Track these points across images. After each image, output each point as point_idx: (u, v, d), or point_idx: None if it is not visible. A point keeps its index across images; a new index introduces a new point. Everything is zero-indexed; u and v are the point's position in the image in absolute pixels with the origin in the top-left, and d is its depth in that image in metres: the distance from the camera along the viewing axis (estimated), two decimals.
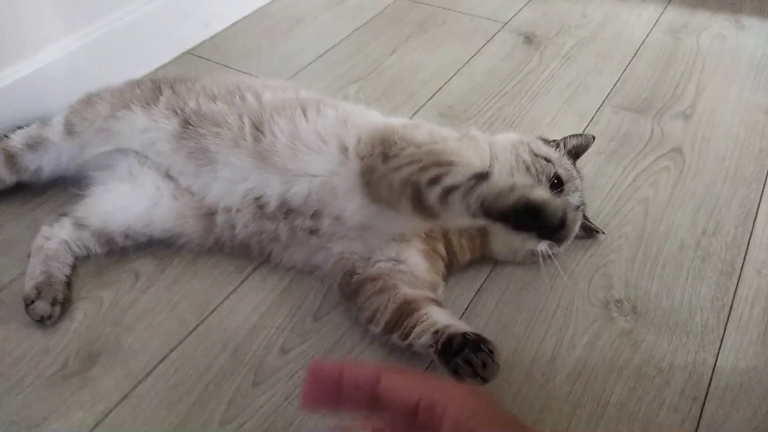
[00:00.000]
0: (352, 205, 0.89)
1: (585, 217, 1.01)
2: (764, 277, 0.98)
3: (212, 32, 1.60)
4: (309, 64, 1.50)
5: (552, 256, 0.94)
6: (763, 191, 1.13)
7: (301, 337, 0.92)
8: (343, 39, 1.59)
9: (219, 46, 1.57)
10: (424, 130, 0.92)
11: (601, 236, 1.04)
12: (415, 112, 1.34)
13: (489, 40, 1.56)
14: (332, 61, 1.52)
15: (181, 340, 0.91)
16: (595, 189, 1.14)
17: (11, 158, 1.08)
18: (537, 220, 0.68)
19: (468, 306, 0.95)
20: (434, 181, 0.76)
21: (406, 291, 0.88)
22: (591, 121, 1.29)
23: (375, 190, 0.84)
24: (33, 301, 0.94)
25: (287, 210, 0.94)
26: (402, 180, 0.79)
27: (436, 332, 0.80)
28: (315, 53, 1.54)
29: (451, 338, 0.77)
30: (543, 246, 0.93)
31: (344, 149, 0.92)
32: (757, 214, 1.08)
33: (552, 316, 0.94)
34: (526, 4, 1.70)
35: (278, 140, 0.95)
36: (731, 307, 0.94)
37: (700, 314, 0.93)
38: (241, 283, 0.99)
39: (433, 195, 0.76)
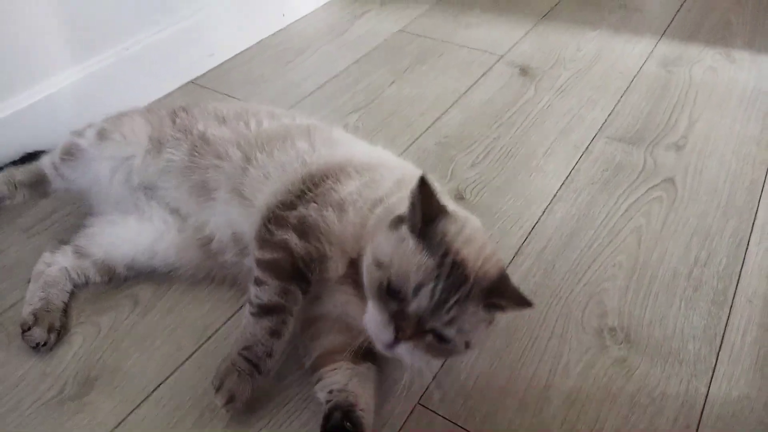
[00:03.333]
0: None
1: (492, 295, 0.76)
2: (755, 307, 0.99)
3: (217, 62, 1.63)
4: (311, 93, 1.54)
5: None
6: (754, 221, 1.14)
7: (296, 363, 0.93)
8: (343, 70, 1.63)
9: (223, 76, 1.60)
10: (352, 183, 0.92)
11: (595, 264, 1.05)
12: (413, 142, 1.36)
13: (486, 72, 1.60)
14: (333, 90, 1.55)
15: (178, 365, 0.92)
16: (589, 218, 1.15)
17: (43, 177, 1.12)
18: None
19: None
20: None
21: (335, 338, 0.89)
22: (585, 151, 1.32)
23: None
24: (30, 328, 0.95)
25: (243, 247, 0.97)
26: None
27: (330, 392, 0.84)
28: (317, 83, 1.57)
29: (332, 411, 0.81)
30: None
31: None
32: (748, 244, 1.10)
33: (546, 343, 0.95)
34: (521, 38, 1.74)
35: (253, 174, 0.98)
36: (723, 337, 0.95)
37: (693, 343, 0.94)
38: (238, 309, 1.00)
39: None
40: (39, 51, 1.27)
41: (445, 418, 0.85)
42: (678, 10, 1.87)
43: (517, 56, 1.66)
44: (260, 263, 0.89)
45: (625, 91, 1.50)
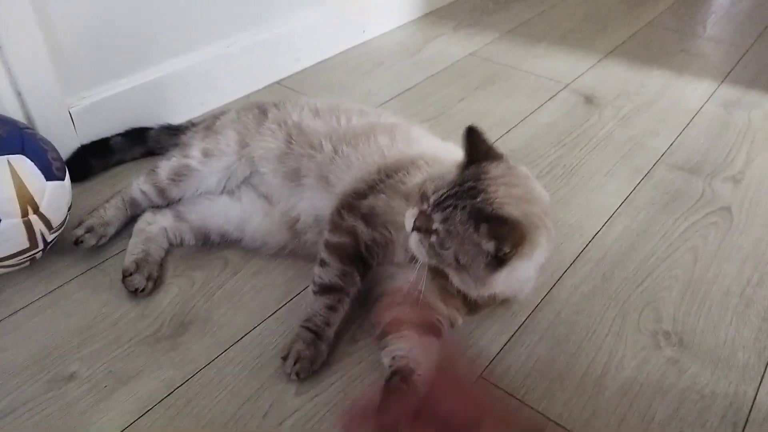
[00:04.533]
0: None
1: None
2: None
3: (301, 67, 1.77)
4: (385, 102, 1.65)
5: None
6: None
7: (368, 331, 1.00)
8: (416, 84, 1.74)
9: (305, 80, 1.73)
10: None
11: (653, 275, 1.12)
12: None
13: (551, 98, 1.69)
14: (406, 101, 1.66)
15: (263, 319, 1.02)
16: (648, 234, 1.22)
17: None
18: None
19: (524, 322, 1.03)
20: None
21: (403, 311, 0.96)
22: (646, 175, 1.39)
23: None
24: (131, 274, 1.05)
25: (324, 228, 1.05)
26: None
27: (393, 357, 0.92)
28: (391, 93, 1.69)
29: (392, 375, 0.89)
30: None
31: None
32: None
33: (603, 339, 1.01)
34: (587, 70, 1.84)
35: (338, 162, 1.08)
36: None
37: (743, 352, 0.99)
38: None
39: None
40: (154, 38, 1.41)
41: (505, 392, 0.92)
42: (739, 60, 1.94)
43: (581, 86, 1.75)
44: (328, 245, 0.99)
45: (686, 126, 1.57)
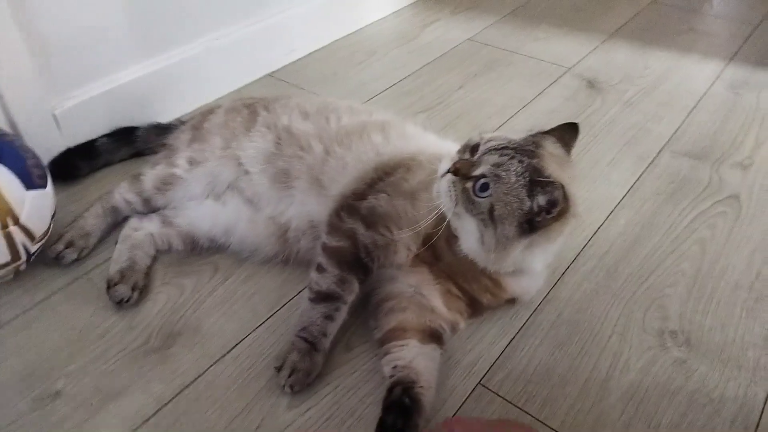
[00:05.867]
0: None
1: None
2: None
3: (294, 58, 1.72)
4: (381, 92, 1.60)
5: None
6: None
7: (363, 337, 0.97)
8: (413, 72, 1.69)
9: (299, 71, 1.68)
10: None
11: (658, 270, 1.08)
12: None
13: (553, 83, 1.64)
14: (402, 91, 1.61)
15: (254, 328, 0.98)
16: (653, 226, 1.18)
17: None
18: None
19: (525, 323, 1.00)
20: None
21: (407, 317, 0.93)
22: (651, 163, 1.34)
23: None
24: (116, 284, 1.02)
25: (319, 234, 1.01)
26: None
27: (394, 367, 0.88)
28: (386, 83, 1.64)
29: (393, 386, 0.86)
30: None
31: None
32: None
33: (607, 340, 0.97)
34: (589, 53, 1.78)
35: (332, 164, 1.04)
36: None
37: (753, 351, 0.95)
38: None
39: None
40: (139, 33, 1.36)
41: (505, 400, 0.89)
42: (748, 37, 1.87)
43: (584, 70, 1.70)
44: (326, 249, 0.95)
45: (692, 110, 1.52)
